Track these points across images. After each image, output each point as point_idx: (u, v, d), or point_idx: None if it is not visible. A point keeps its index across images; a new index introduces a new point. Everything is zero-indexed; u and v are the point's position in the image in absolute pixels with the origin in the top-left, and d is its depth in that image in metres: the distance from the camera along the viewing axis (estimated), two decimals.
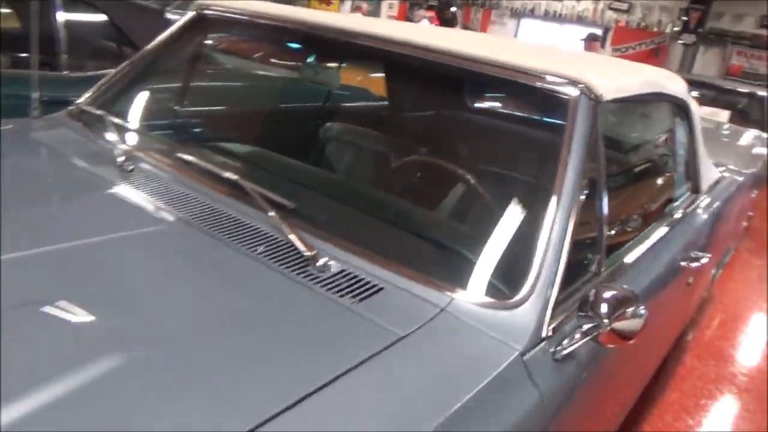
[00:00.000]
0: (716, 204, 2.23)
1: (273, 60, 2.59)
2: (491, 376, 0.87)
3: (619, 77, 1.41)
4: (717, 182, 2.51)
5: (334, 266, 1.03)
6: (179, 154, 1.37)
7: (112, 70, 2.88)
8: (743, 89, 6.41)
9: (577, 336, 1.00)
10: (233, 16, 1.78)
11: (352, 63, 2.07)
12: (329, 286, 0.98)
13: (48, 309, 0.82)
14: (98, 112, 1.61)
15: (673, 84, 1.82)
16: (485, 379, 0.86)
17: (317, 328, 0.90)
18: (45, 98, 2.76)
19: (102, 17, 3.05)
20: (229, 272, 1.01)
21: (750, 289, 4.22)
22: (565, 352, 0.99)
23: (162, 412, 0.70)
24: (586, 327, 1.01)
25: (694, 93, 5.94)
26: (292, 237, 1.06)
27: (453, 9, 10.93)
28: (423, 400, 0.81)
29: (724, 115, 6.05)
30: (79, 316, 0.83)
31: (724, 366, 2.98)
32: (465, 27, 10.85)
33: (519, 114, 1.66)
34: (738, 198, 2.73)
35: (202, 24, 1.88)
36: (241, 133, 1.75)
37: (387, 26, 1.64)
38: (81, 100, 1.76)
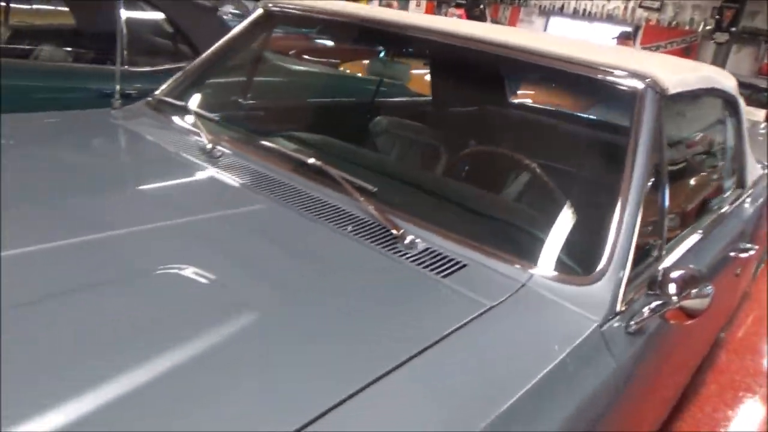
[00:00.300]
0: (761, 199, 2.27)
1: (335, 54, 2.69)
2: (573, 344, 0.95)
3: (681, 72, 1.47)
4: (760, 178, 2.55)
5: (420, 244, 1.12)
6: (262, 142, 1.47)
7: (170, 65, 3.01)
8: None
9: (647, 312, 1.08)
10: (296, 12, 1.88)
11: (419, 57, 2.15)
12: (418, 261, 1.07)
13: (176, 271, 0.93)
14: (178, 102, 1.72)
15: (726, 80, 1.87)
16: (568, 348, 0.94)
17: (414, 296, 0.98)
18: (107, 91, 2.90)
19: (159, 15, 3.18)
20: (325, 247, 1.10)
21: None
22: (636, 326, 1.06)
23: (287, 362, 0.79)
24: (654, 304, 1.08)
25: None
26: (381, 217, 1.15)
27: (481, 6, 10.93)
28: (512, 365, 0.89)
29: (760, 114, 6.01)
30: (204, 279, 0.93)
31: (760, 360, 3.00)
32: (495, 23, 10.86)
33: (589, 107, 1.73)
34: None
35: (268, 20, 1.98)
36: (309, 124, 1.84)
37: (452, 23, 1.72)
38: (158, 92, 1.87)
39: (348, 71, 3.97)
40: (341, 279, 1.01)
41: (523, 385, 0.84)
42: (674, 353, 1.39)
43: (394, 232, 1.12)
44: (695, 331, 1.55)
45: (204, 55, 1.96)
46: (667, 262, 1.31)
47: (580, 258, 1.12)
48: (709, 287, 1.09)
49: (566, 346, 0.94)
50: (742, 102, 2.20)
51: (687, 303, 1.07)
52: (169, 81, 1.90)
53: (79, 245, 0.96)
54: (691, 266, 1.11)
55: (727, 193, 2.04)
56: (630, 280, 1.11)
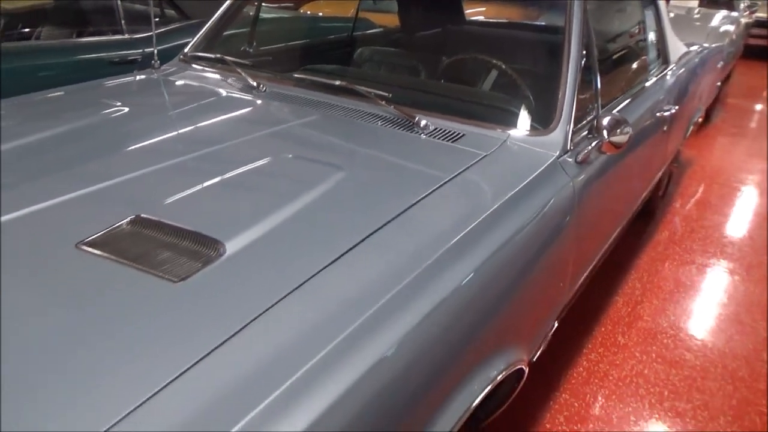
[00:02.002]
0: (681, 70, 2.80)
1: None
2: (540, 169, 1.46)
3: None
4: (684, 55, 3.07)
5: (430, 126, 1.61)
6: (293, 75, 1.92)
7: (163, 29, 3.34)
8: None
9: (588, 148, 1.60)
10: None
11: None
12: (432, 135, 1.57)
13: (285, 155, 1.41)
14: (212, 55, 2.14)
15: None
16: (538, 170, 1.46)
17: (436, 154, 1.48)
18: (116, 59, 3.25)
19: None
20: (368, 134, 1.59)
21: (724, 151, 4.86)
22: (581, 157, 1.58)
23: (368, 185, 1.28)
24: (593, 143, 1.60)
25: None
26: (399, 111, 1.64)
27: None
28: (500, 182, 1.39)
29: (694, 2, 6.50)
30: (303, 158, 1.42)
31: (704, 210, 3.64)
32: None
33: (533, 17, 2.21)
34: (703, 66, 3.29)
35: None
36: (312, 58, 2.29)
37: None
38: (187, 48, 2.28)
39: (310, 12, 4.35)
40: (387, 150, 1.51)
41: (508, 192, 1.35)
42: (613, 184, 1.92)
43: (413, 119, 1.61)
44: (633, 172, 2.10)
45: (216, 14, 2.35)
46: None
47: (540, 119, 1.63)
48: (629, 128, 1.61)
49: (536, 170, 1.46)
50: None
51: (614, 138, 1.59)
52: (195, 39, 2.30)
53: (208, 153, 1.43)
54: (615, 113, 1.63)
55: (653, 69, 2.55)
56: (575, 132, 1.62)
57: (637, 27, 2.51)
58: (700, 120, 3.53)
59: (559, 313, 1.71)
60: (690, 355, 2.29)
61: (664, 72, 2.62)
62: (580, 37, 1.69)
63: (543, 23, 2.11)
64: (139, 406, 0.72)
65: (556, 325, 1.69)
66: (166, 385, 0.75)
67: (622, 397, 2.06)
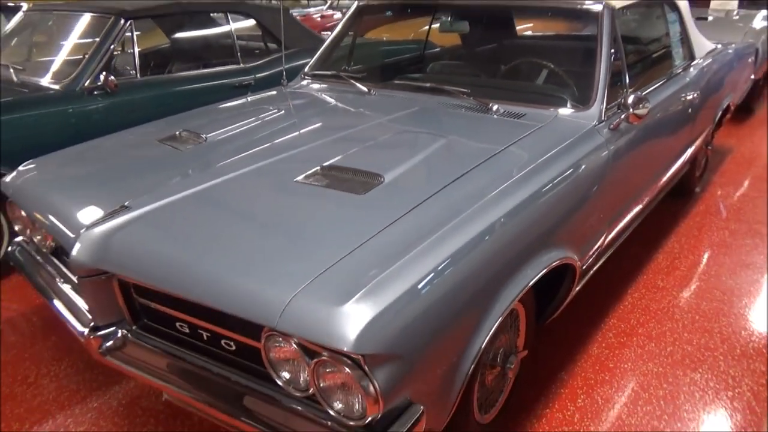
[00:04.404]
0: (705, 64, 3.33)
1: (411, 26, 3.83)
2: (581, 132, 2.08)
3: None
4: (711, 52, 3.59)
5: (500, 110, 2.25)
6: (393, 81, 2.61)
7: (267, 58, 4.11)
8: None
9: (617, 118, 2.19)
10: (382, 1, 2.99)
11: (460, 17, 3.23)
12: (502, 115, 2.21)
13: (408, 129, 2.08)
14: (328, 72, 2.87)
15: None
16: (579, 133, 2.07)
17: (507, 128, 2.12)
18: (236, 84, 4.05)
19: (251, 21, 4.29)
20: (458, 118, 2.25)
21: (763, 140, 5.24)
22: (613, 125, 2.18)
23: (465, 137, 1.93)
24: (622, 115, 2.20)
25: None
26: (477, 101, 2.29)
27: None
28: (555, 141, 2.00)
29: (733, 3, 6.88)
30: (420, 131, 2.08)
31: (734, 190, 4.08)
32: None
33: (574, 29, 2.85)
34: (729, 61, 3.78)
35: (362, 10, 3.09)
36: (401, 70, 2.98)
37: None
38: (306, 68, 3.01)
39: (386, 37, 5.09)
40: (470, 125, 2.16)
41: (558, 146, 1.96)
42: (640, 147, 2.48)
43: (487, 105, 2.26)
44: (661, 140, 2.66)
45: (327, 40, 3.09)
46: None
47: (580, 101, 2.24)
48: (648, 103, 2.20)
49: (577, 134, 2.07)
50: (682, 1, 3.24)
51: (637, 111, 2.18)
52: (312, 60, 3.02)
53: (349, 133, 2.13)
54: (638, 93, 2.22)
55: (678, 62, 3.10)
56: (608, 109, 2.22)
57: (663, 29, 3.07)
58: (732, 107, 4.00)
59: (607, 231, 2.26)
60: (719, 293, 2.80)
61: (689, 65, 3.17)
62: (610, 42, 2.30)
63: (580, 33, 2.73)
64: (345, 256, 1.35)
65: (605, 241, 2.25)
66: (360, 245, 1.39)
67: (661, 321, 2.60)
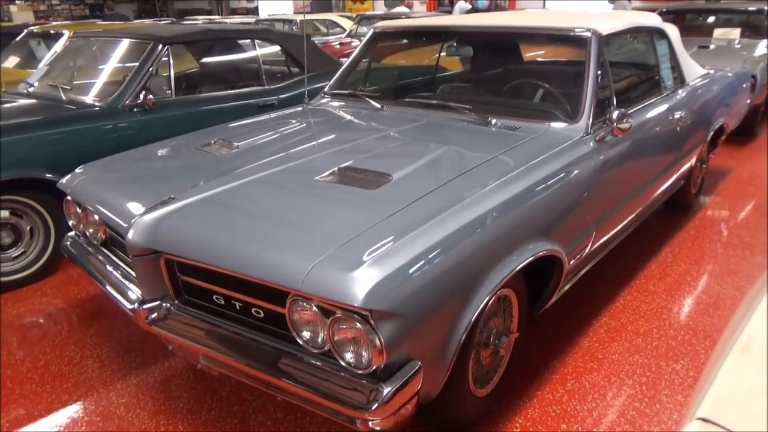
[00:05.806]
0: (696, 86, 3.59)
1: (420, 51, 4.15)
2: (569, 142, 2.34)
3: (611, 22, 2.82)
4: (702, 77, 3.85)
5: (498, 123, 2.53)
6: (403, 99, 2.90)
7: (289, 81, 4.44)
8: (747, 7, 7.47)
9: (603, 130, 2.45)
10: (395, 29, 3.31)
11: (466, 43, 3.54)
12: (498, 128, 2.49)
13: (415, 140, 2.36)
14: (345, 91, 3.18)
15: (649, 19, 3.21)
16: (567, 143, 2.33)
17: (501, 138, 2.39)
18: (261, 104, 4.37)
19: (276, 47, 4.66)
20: (459, 130, 2.52)
21: (763, 162, 5.44)
22: (599, 136, 2.44)
23: (464, 147, 2.21)
24: (606, 128, 2.46)
25: (711, 18, 7.33)
26: (478, 117, 2.57)
27: None
28: (546, 148, 2.26)
29: (735, 32, 7.14)
30: (425, 142, 2.36)
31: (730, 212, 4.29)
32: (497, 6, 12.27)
33: (564, 53, 3.15)
34: (721, 86, 4.03)
35: (376, 37, 3.41)
36: (412, 90, 3.29)
37: (476, 18, 3.13)
38: (326, 88, 3.32)
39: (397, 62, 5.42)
40: (470, 135, 2.44)
41: (547, 152, 2.23)
42: (624, 157, 2.72)
43: (487, 119, 2.54)
44: (645, 155, 2.91)
45: (346, 63, 3.41)
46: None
47: (570, 116, 2.51)
48: (630, 119, 2.46)
49: (565, 143, 2.33)
50: (671, 29, 3.51)
51: (621, 125, 2.44)
52: (331, 81, 3.34)
53: (363, 142, 2.41)
54: (622, 109, 2.48)
55: (668, 85, 3.37)
56: (595, 123, 2.48)
57: (653, 54, 3.35)
58: (726, 129, 4.23)
59: (595, 232, 2.50)
60: (705, 297, 3.00)
61: (678, 88, 3.43)
62: (597, 63, 2.57)
63: (572, 59, 3.02)
64: (358, 235, 1.61)
65: (593, 242, 2.49)
66: (371, 227, 1.66)
67: (650, 319, 2.81)
